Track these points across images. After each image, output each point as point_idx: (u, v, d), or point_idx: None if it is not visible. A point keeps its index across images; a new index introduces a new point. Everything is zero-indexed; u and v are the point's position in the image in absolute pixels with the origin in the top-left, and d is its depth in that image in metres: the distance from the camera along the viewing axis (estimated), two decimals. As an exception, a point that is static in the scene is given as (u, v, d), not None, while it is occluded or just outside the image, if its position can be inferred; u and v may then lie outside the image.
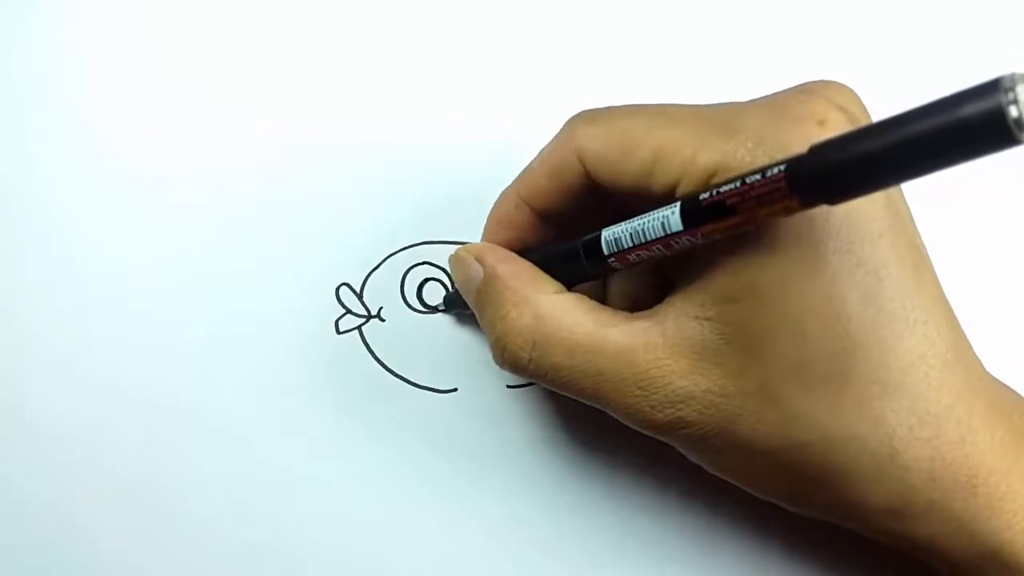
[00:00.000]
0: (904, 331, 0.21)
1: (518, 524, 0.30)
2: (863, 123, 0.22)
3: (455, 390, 0.30)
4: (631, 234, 0.23)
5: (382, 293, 0.31)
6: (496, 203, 0.27)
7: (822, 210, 0.21)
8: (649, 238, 0.22)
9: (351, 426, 0.30)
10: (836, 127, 0.21)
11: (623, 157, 0.23)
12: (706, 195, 0.20)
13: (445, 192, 0.31)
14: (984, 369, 0.23)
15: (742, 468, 0.24)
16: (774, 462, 0.23)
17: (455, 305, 0.30)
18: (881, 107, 0.21)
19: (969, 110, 0.15)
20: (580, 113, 0.25)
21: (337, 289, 0.31)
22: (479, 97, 0.32)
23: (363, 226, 0.31)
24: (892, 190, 0.22)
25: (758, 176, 0.19)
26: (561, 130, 0.25)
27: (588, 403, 0.25)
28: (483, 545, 0.30)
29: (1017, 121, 0.14)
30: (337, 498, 0.30)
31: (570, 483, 0.30)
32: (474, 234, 0.31)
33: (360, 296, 0.31)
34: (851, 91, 0.23)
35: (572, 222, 0.26)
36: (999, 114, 0.15)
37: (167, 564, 0.29)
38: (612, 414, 0.25)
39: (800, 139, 0.20)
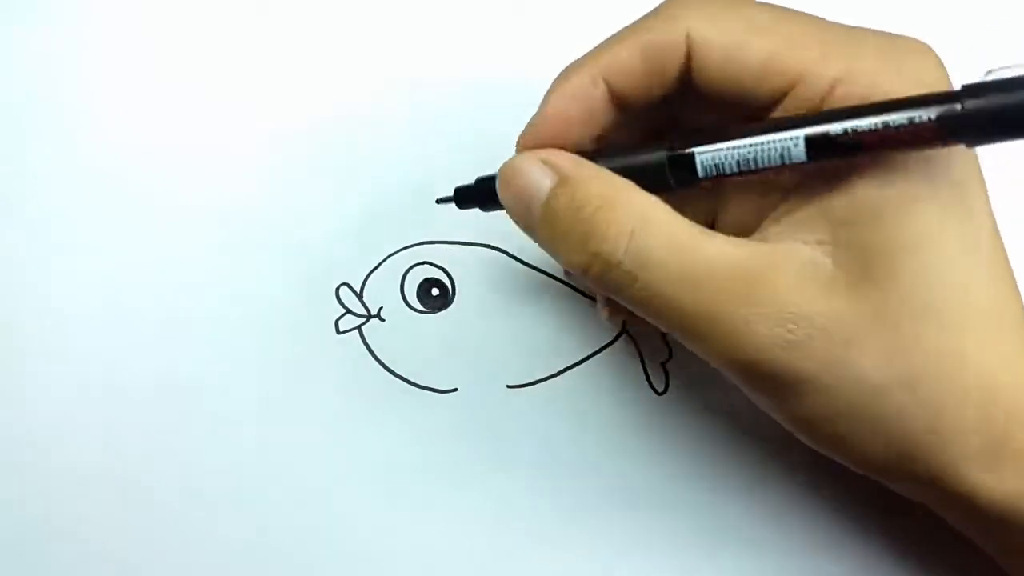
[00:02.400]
0: (993, 275, 0.21)
1: (518, 523, 0.30)
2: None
3: (455, 390, 0.30)
4: (739, 160, 0.21)
5: (382, 293, 0.31)
6: (562, 75, 0.23)
7: None
8: (762, 165, 0.20)
9: (351, 426, 0.30)
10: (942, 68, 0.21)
11: (740, 45, 0.21)
12: (839, 131, 0.19)
13: (445, 192, 0.31)
14: None
15: (839, 416, 0.22)
16: (880, 404, 0.21)
17: (471, 199, 0.26)
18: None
19: None
20: None
21: (337, 289, 0.31)
22: (480, 97, 0.32)
23: (363, 226, 0.31)
24: None
25: (904, 121, 0.18)
26: (664, 4, 0.22)
27: (674, 328, 0.22)
28: (483, 545, 0.29)
29: None
30: (336, 498, 0.29)
31: (570, 483, 0.30)
32: (474, 234, 0.31)
33: (360, 296, 0.31)
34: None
35: (644, 120, 0.24)
36: None
37: (167, 564, 0.29)
38: (702, 343, 0.22)
39: (921, 69, 0.20)
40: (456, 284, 0.31)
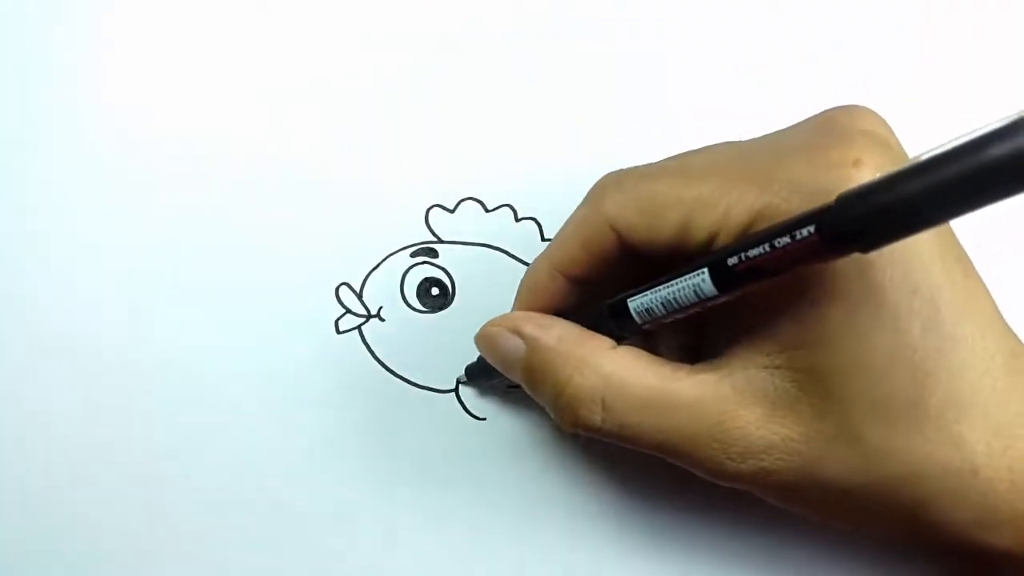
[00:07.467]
0: (966, 351, 0.21)
1: (517, 524, 0.30)
2: (897, 154, 0.22)
3: (455, 390, 0.31)
4: (663, 302, 0.22)
5: (382, 293, 0.31)
6: (528, 273, 0.27)
7: None
8: (683, 304, 0.22)
9: (351, 426, 0.30)
10: (871, 164, 0.21)
11: (654, 222, 0.23)
12: (735, 260, 0.20)
13: (445, 192, 0.31)
14: None
15: (827, 507, 0.24)
16: (860, 498, 0.23)
17: (479, 376, 0.30)
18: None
19: (996, 151, 0.15)
20: (604, 179, 0.25)
21: (337, 289, 0.31)
22: (480, 97, 0.32)
23: (363, 226, 0.31)
24: None
25: (787, 239, 0.19)
26: (587, 198, 0.25)
27: (662, 456, 0.24)
28: (482, 545, 0.30)
29: None
30: (336, 498, 0.29)
31: (570, 483, 0.30)
32: (474, 234, 0.31)
33: (360, 296, 0.31)
34: (877, 117, 0.22)
35: (605, 283, 0.26)
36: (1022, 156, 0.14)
37: (165, 562, 0.29)
38: (689, 468, 0.24)
39: (835, 184, 0.20)
40: (456, 284, 0.31)
